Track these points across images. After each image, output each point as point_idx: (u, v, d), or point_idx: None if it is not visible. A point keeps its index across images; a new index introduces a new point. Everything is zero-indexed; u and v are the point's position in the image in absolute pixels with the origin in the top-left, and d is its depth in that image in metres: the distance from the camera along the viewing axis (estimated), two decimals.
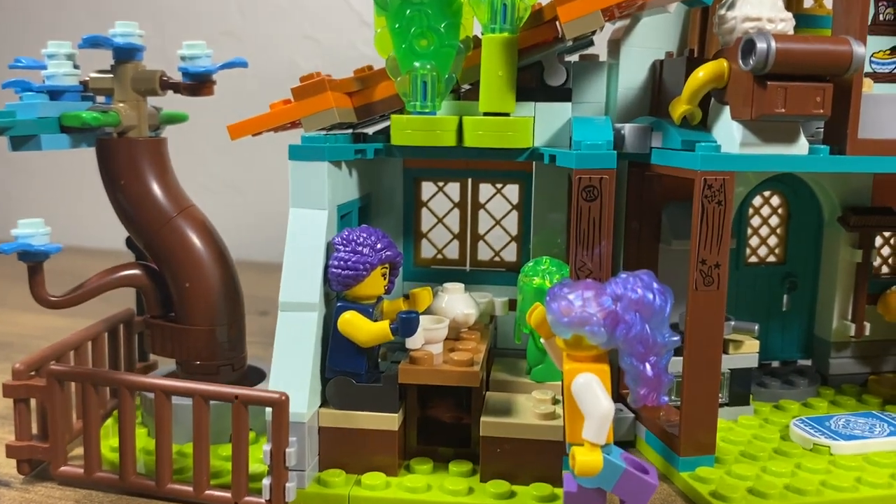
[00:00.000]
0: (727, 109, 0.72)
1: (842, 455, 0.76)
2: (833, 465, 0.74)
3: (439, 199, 0.91)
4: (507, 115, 0.76)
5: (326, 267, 0.71)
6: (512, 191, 0.90)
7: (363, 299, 0.72)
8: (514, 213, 0.90)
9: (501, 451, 0.70)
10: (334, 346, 0.71)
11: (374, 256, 0.70)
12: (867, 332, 0.93)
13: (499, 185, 0.90)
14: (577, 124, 0.75)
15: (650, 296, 0.61)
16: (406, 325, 0.69)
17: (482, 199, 0.90)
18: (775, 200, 0.95)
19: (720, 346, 0.72)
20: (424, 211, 0.91)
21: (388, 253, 0.71)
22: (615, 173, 0.69)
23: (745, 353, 0.84)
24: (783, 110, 0.67)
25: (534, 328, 0.67)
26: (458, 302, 0.78)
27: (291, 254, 0.72)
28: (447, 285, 0.79)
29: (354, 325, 0.70)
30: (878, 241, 0.95)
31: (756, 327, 0.83)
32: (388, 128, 0.83)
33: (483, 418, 0.70)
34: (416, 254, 0.91)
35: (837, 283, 0.93)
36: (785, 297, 0.95)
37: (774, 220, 0.95)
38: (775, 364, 0.97)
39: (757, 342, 0.84)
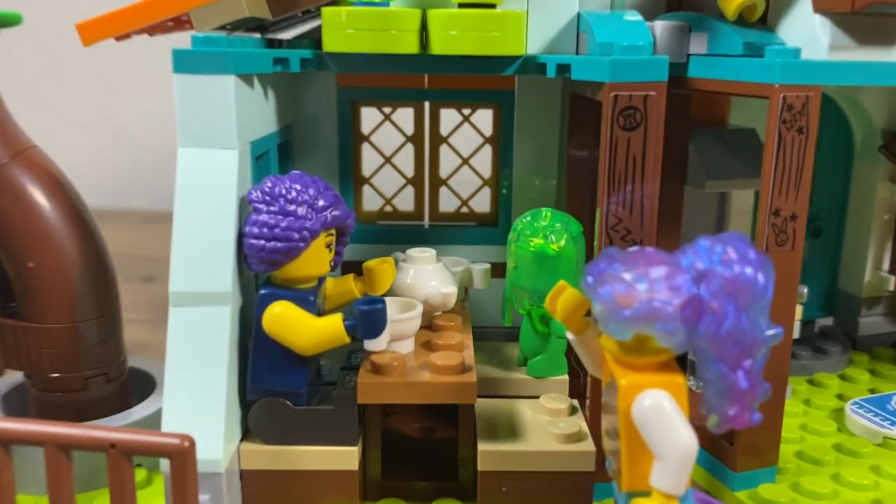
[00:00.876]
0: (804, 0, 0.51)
1: None
2: None
3: (387, 132, 0.68)
4: (491, 6, 0.53)
5: (240, 236, 0.48)
6: (484, 118, 0.68)
7: (300, 282, 0.49)
8: (487, 149, 0.68)
9: (508, 490, 0.49)
10: (259, 355, 0.48)
11: (315, 219, 0.47)
12: None
13: (466, 111, 0.68)
14: (595, 22, 0.53)
15: (749, 271, 0.41)
16: (368, 321, 0.46)
17: (444, 131, 0.68)
18: None
19: (792, 324, 0.53)
20: (367, 147, 0.67)
21: (336, 212, 0.48)
22: (665, 88, 0.48)
23: None
24: None
25: (561, 319, 0.46)
26: (429, 276, 0.56)
27: (185, 218, 0.47)
28: (413, 252, 0.57)
29: (290, 323, 0.47)
30: None
31: (805, 290, 0.65)
32: (315, 30, 0.59)
33: (481, 446, 0.49)
34: (356, 206, 0.68)
35: (872, 227, 0.76)
36: (806, 244, 0.78)
37: None
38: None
39: (800, 308, 0.66)
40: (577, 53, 0.57)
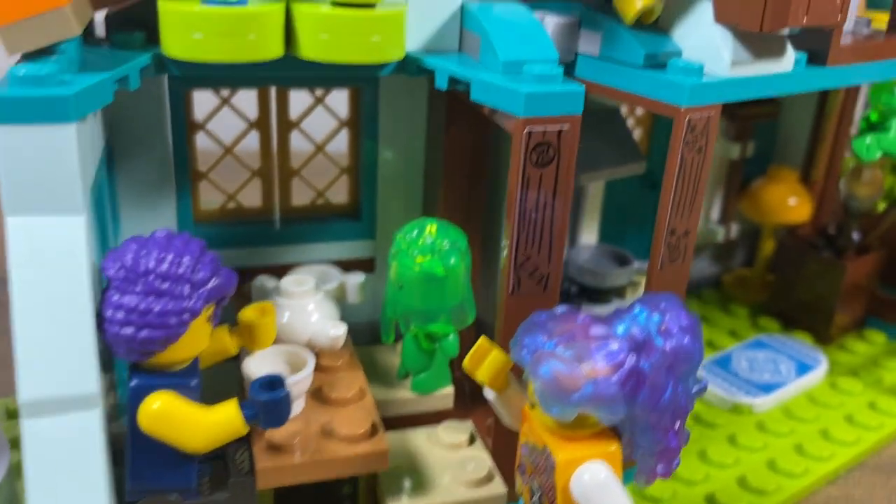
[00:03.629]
0: (703, 5, 0.49)
1: (766, 414, 0.65)
2: (764, 431, 0.63)
3: (226, 118, 0.58)
4: (370, 6, 0.45)
5: (100, 317, 0.39)
6: (339, 100, 0.60)
7: (177, 365, 0.41)
8: (344, 133, 0.60)
9: None
10: (138, 451, 0.40)
11: (196, 297, 0.39)
12: (733, 234, 0.82)
13: (319, 93, 0.59)
14: (489, 24, 0.47)
15: (687, 341, 0.40)
16: (272, 411, 0.40)
17: (294, 115, 0.59)
18: None
19: None
20: (203, 137, 0.57)
21: (218, 282, 0.40)
22: (580, 120, 0.44)
23: None
24: (805, 20, 0.46)
25: (485, 382, 0.43)
26: (310, 313, 0.50)
27: (26, 307, 0.37)
28: (287, 285, 0.50)
29: (174, 421, 0.39)
30: None
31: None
32: (142, 7, 0.48)
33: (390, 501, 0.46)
34: (193, 205, 0.58)
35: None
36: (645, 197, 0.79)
37: (638, 110, 0.77)
38: None
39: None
40: (459, 51, 0.51)
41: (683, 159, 0.48)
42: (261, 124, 0.58)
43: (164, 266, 0.39)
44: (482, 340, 0.43)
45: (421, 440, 0.52)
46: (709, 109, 0.47)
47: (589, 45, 0.51)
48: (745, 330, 0.77)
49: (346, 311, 0.58)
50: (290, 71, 0.48)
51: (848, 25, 0.60)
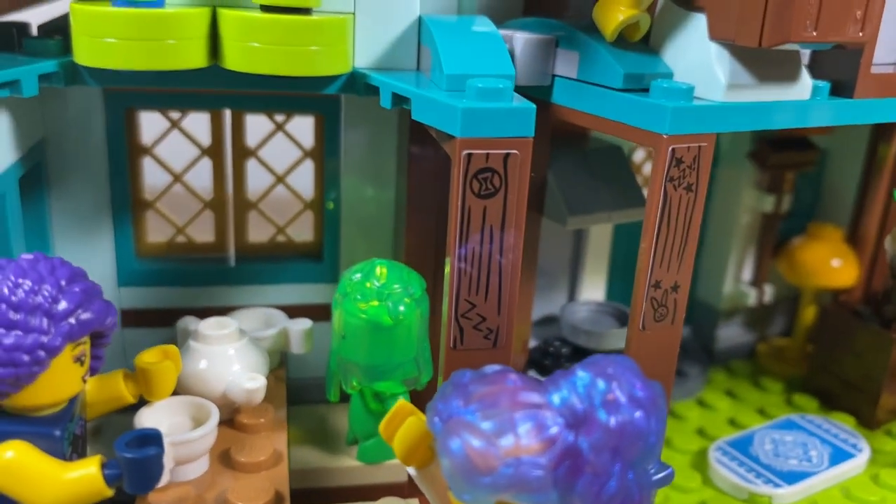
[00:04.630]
0: (696, 20, 0.41)
1: None
2: None
3: (175, 142, 0.53)
4: (306, 11, 0.40)
5: None
6: (302, 127, 0.54)
7: (39, 410, 0.35)
8: (309, 164, 0.55)
9: None
10: None
11: (55, 331, 0.33)
12: (767, 298, 0.72)
13: (279, 118, 0.54)
14: (439, 33, 0.41)
15: (639, 417, 0.32)
16: (137, 471, 0.34)
17: (251, 142, 0.54)
18: None
19: (667, 405, 0.46)
20: (150, 162, 0.53)
21: (86, 315, 0.35)
22: (531, 145, 0.37)
23: None
24: (814, 35, 0.38)
25: (399, 454, 0.36)
26: (230, 361, 0.43)
27: None
28: (206, 329, 0.44)
29: (24, 477, 0.33)
30: None
31: None
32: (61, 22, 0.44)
33: None
34: (137, 239, 0.53)
35: (733, 237, 0.70)
36: None
37: None
38: None
39: None
40: (418, 70, 0.44)
41: (668, 198, 0.40)
42: (213, 151, 0.53)
43: (19, 294, 0.33)
44: (401, 402, 0.36)
45: None
46: (699, 139, 0.40)
47: (566, 66, 0.44)
48: (776, 408, 0.67)
49: (295, 363, 0.52)
50: (242, 89, 0.43)
51: (891, 57, 0.52)
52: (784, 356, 0.73)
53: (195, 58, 0.40)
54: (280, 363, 0.50)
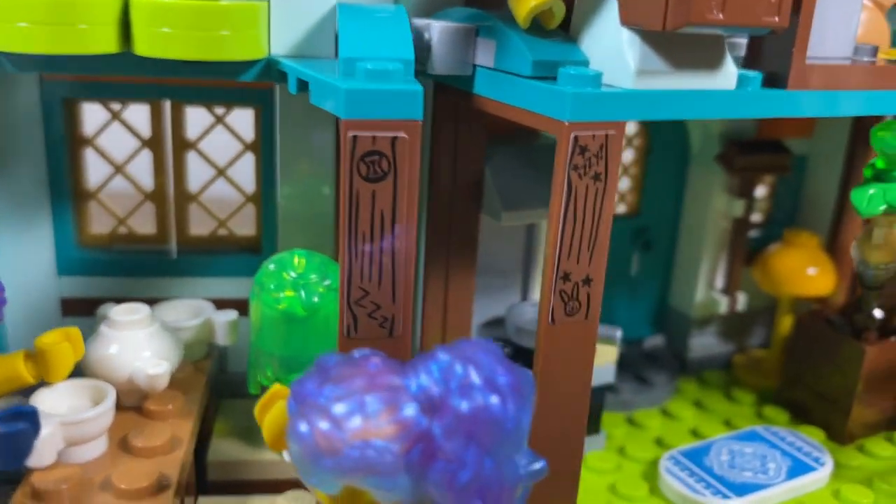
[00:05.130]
0: (609, 5, 0.40)
1: None
2: None
3: (116, 133, 0.53)
4: None
5: None
6: (243, 119, 0.54)
7: None
8: (249, 157, 0.55)
9: None
10: None
11: None
12: (740, 306, 0.70)
13: (219, 111, 0.54)
14: (345, 19, 0.41)
15: (495, 402, 0.30)
16: (4, 446, 0.34)
17: (191, 134, 0.54)
18: (630, 128, 0.67)
19: (586, 402, 0.44)
20: (92, 154, 0.53)
21: None
22: (420, 128, 0.36)
23: (598, 365, 0.57)
24: (721, 17, 0.37)
25: (268, 441, 0.35)
26: (140, 346, 0.43)
27: None
28: (116, 315, 0.44)
29: None
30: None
31: (618, 333, 0.57)
32: None
33: None
34: (80, 228, 0.54)
35: (705, 241, 0.68)
36: (635, 257, 0.69)
37: (627, 156, 0.67)
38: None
39: (615, 349, 0.58)
40: (336, 58, 0.44)
41: (572, 187, 0.39)
42: (154, 143, 0.53)
43: None
44: (277, 387, 0.35)
45: None
46: (606, 127, 0.39)
47: (485, 55, 0.44)
48: (745, 420, 0.64)
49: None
50: (155, 76, 0.43)
51: (844, 51, 0.50)
52: (761, 368, 0.70)
53: (106, 43, 0.40)
54: (206, 355, 0.50)
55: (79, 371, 0.43)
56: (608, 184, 0.40)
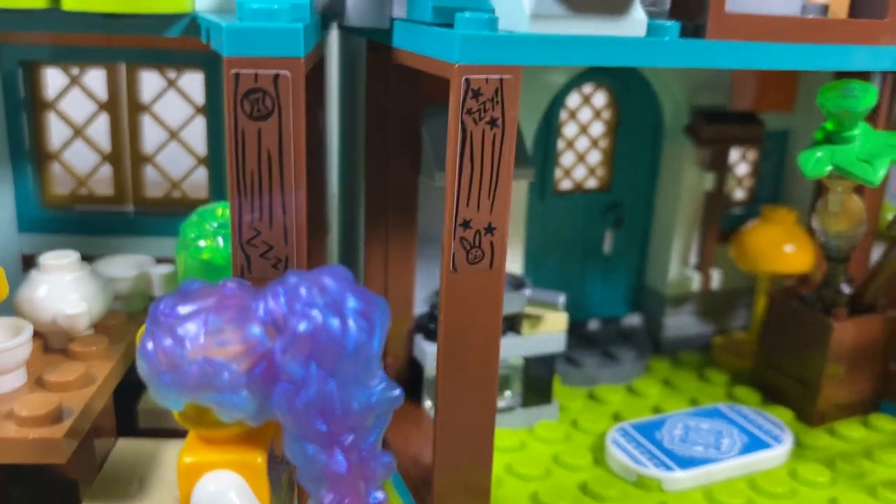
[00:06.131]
0: None
1: (677, 492, 0.51)
2: None
3: (77, 98, 0.56)
4: None
5: None
6: (194, 82, 0.56)
7: None
8: (200, 119, 0.57)
9: None
10: None
11: None
12: (715, 285, 0.68)
13: (171, 74, 0.56)
14: None
15: (335, 323, 0.31)
16: None
17: (146, 98, 0.56)
18: (599, 99, 0.66)
19: (496, 355, 0.44)
20: (55, 118, 0.56)
21: None
22: (303, 67, 0.37)
23: (547, 332, 0.57)
24: None
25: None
26: (67, 289, 0.45)
27: None
28: (46, 260, 0.46)
29: None
30: (733, 154, 0.68)
31: (561, 299, 0.56)
32: None
33: None
34: (43, 188, 0.56)
35: (678, 217, 0.67)
36: (608, 234, 0.68)
37: (597, 129, 0.67)
38: (594, 324, 0.71)
39: (564, 316, 0.57)
40: None
41: (467, 131, 0.39)
42: (110, 106, 0.55)
43: None
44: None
45: (169, 452, 0.45)
46: (500, 70, 0.38)
47: (400, 7, 0.44)
48: (713, 400, 0.62)
49: None
50: (135, 49, 0.45)
51: (792, 8, 0.49)
52: (740, 350, 0.68)
53: None
54: (144, 308, 0.51)
55: (12, 313, 0.45)
56: (506, 130, 0.40)
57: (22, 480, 0.46)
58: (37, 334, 0.44)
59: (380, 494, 0.34)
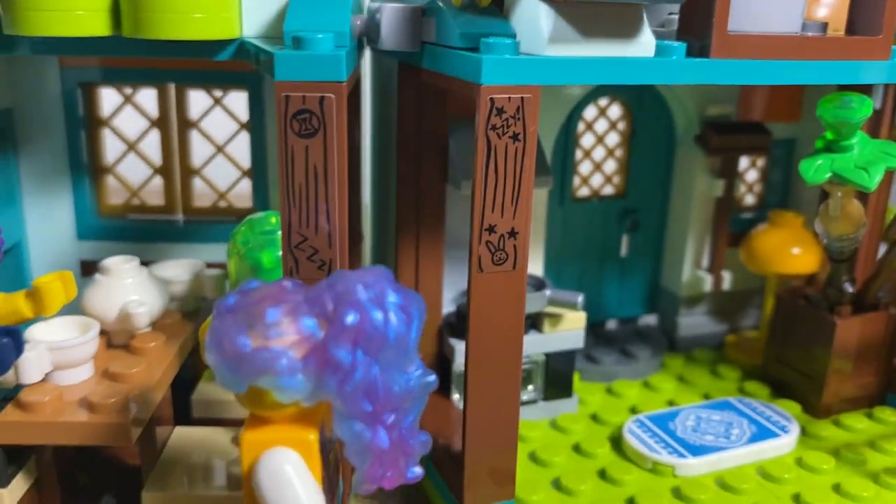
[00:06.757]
0: None
1: (689, 478, 0.55)
2: (679, 496, 0.53)
3: (130, 115, 0.61)
4: None
5: None
6: (238, 101, 0.61)
7: None
8: (245, 135, 0.61)
9: None
10: None
11: None
12: (726, 285, 0.72)
13: (217, 93, 0.60)
14: (296, 3, 0.46)
15: (378, 316, 0.35)
16: None
17: (194, 115, 0.61)
18: (614, 111, 0.70)
19: (519, 348, 0.48)
20: (110, 134, 0.60)
21: None
22: (345, 90, 0.41)
23: (567, 330, 0.61)
24: None
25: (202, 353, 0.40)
26: (128, 291, 0.50)
27: None
28: (108, 263, 0.51)
29: None
30: (743, 162, 0.72)
31: (580, 299, 0.60)
32: None
33: (145, 491, 0.44)
34: (99, 199, 0.61)
35: (691, 221, 0.70)
36: (624, 238, 0.72)
37: (613, 139, 0.71)
38: (612, 324, 0.75)
39: (583, 315, 0.61)
40: None
41: (492, 145, 0.43)
42: (161, 123, 0.60)
43: None
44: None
45: (221, 437, 0.49)
46: (521, 90, 0.43)
47: (428, 33, 0.48)
48: (724, 395, 0.66)
49: None
50: (184, 70, 0.50)
51: (792, 27, 0.52)
52: (751, 347, 0.72)
53: (99, 26, 0.47)
54: (197, 308, 0.56)
55: (78, 313, 0.50)
56: (527, 143, 0.44)
57: (89, 466, 0.50)
58: (102, 332, 0.49)
59: (417, 469, 0.38)
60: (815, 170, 0.54)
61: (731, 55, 0.47)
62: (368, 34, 0.50)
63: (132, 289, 0.50)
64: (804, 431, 0.61)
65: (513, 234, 0.45)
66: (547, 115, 0.62)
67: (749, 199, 0.75)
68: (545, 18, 0.43)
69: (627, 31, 0.45)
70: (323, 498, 0.36)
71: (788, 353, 0.66)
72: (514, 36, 0.45)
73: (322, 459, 0.37)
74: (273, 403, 0.36)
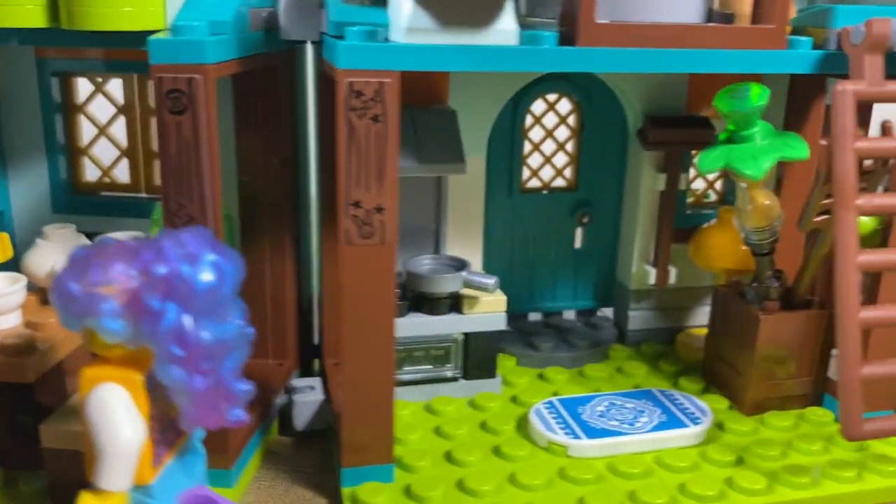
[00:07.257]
0: None
1: (579, 459, 0.56)
2: (562, 476, 0.54)
3: (104, 103, 0.67)
4: None
5: None
6: None
7: None
8: None
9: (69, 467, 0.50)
10: None
11: None
12: (673, 280, 0.72)
13: None
14: None
15: (186, 269, 0.39)
16: None
17: (153, 102, 0.67)
18: (564, 106, 0.72)
19: (391, 319, 0.51)
20: (84, 119, 0.67)
21: None
22: (213, 72, 0.46)
23: (487, 312, 0.63)
24: None
25: None
26: (56, 253, 0.56)
27: None
28: (48, 229, 0.57)
29: None
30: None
31: (492, 281, 0.62)
32: None
33: (43, 425, 0.50)
34: (74, 177, 0.68)
35: (639, 216, 0.71)
36: (578, 231, 0.74)
37: (563, 133, 0.72)
38: (569, 315, 0.77)
39: (503, 298, 0.63)
40: None
41: (352, 126, 0.46)
42: (127, 110, 0.67)
43: None
44: None
45: None
46: (379, 75, 0.46)
47: (323, 23, 0.52)
48: (655, 387, 0.66)
49: None
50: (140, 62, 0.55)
51: (689, 17, 0.54)
52: (700, 345, 0.71)
53: (35, 16, 0.53)
54: None
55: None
56: (388, 125, 0.47)
57: (24, 409, 0.56)
58: (39, 290, 0.56)
59: (239, 412, 0.42)
60: (710, 160, 0.54)
61: (598, 44, 0.49)
62: (273, 24, 0.55)
63: (65, 251, 0.56)
64: (721, 426, 0.61)
65: (379, 209, 0.48)
66: (480, 106, 0.64)
67: (711, 196, 0.75)
68: (405, 6, 0.46)
69: (487, 19, 0.47)
70: (144, 429, 0.40)
71: (722, 348, 0.66)
72: (382, 25, 0.49)
73: (151, 398, 0.41)
74: (104, 345, 0.40)
